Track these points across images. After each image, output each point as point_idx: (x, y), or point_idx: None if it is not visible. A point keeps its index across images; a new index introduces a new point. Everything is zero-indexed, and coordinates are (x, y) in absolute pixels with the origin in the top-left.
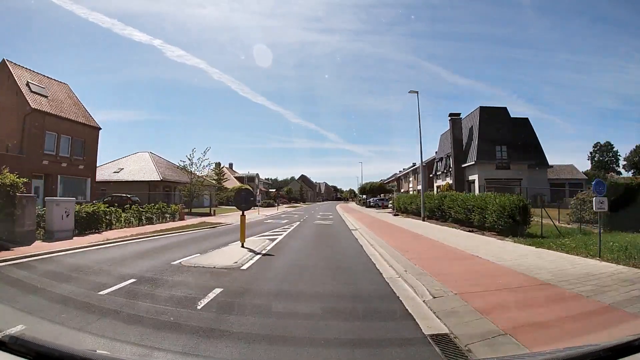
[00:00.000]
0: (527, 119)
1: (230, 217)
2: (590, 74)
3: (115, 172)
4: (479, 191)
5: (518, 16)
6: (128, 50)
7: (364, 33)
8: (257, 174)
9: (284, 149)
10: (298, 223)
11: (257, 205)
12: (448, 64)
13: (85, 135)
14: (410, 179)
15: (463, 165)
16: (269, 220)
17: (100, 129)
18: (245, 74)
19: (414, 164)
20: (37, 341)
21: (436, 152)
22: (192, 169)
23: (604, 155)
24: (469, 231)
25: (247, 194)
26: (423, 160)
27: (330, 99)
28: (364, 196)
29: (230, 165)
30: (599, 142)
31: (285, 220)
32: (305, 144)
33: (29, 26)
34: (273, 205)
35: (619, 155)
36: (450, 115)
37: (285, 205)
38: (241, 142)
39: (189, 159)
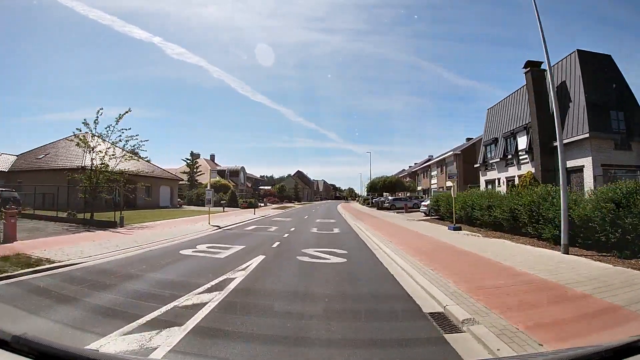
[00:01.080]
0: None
1: (131, 235)
2: None
3: (38, 158)
4: (594, 185)
5: (519, 17)
6: (127, 48)
7: (365, 33)
8: (243, 168)
9: (284, 148)
10: (259, 261)
11: (210, 205)
12: (449, 65)
13: None
14: (433, 173)
15: (556, 144)
16: (201, 248)
17: None
18: (246, 74)
19: (430, 157)
20: (40, 341)
21: (464, 140)
22: (94, 144)
23: None
24: None
25: None
26: (457, 147)
27: (332, 99)
28: (366, 194)
29: (212, 157)
30: None
31: (238, 248)
32: (306, 144)
33: (29, 24)
34: (256, 206)
35: None
36: (528, 65)
37: (272, 206)
38: (242, 141)
39: (85, 124)
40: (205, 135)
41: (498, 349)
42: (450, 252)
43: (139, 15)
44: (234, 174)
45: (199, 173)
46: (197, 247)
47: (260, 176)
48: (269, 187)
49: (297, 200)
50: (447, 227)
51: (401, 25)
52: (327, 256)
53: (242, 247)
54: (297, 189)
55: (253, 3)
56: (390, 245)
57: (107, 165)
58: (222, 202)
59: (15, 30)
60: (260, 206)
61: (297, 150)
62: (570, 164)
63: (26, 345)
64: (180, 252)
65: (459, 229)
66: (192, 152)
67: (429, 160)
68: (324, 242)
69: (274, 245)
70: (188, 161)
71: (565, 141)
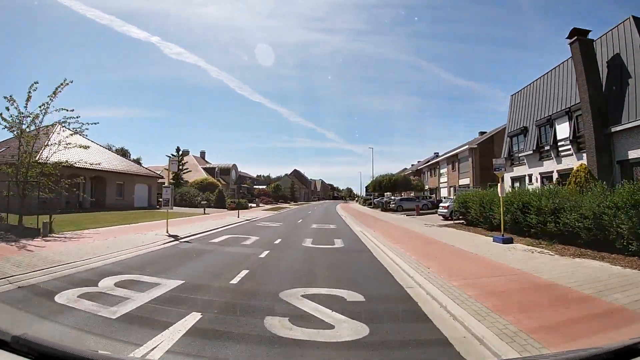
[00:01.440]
0: None
1: (31, 253)
2: None
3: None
4: None
5: (520, 18)
6: (126, 47)
7: (365, 33)
8: (234, 165)
9: (284, 148)
10: (181, 334)
11: (169, 208)
12: (449, 66)
13: None
14: (443, 170)
15: (614, 129)
16: (104, 285)
17: None
18: (245, 74)
19: (436, 154)
20: (40, 341)
21: (465, 140)
22: (25, 126)
23: None
24: None
25: None
26: (470, 142)
27: (331, 99)
28: (366, 194)
29: (202, 154)
30: None
31: (170, 287)
32: (306, 144)
33: (26, 23)
34: (245, 207)
35: None
36: (574, 34)
37: (264, 207)
38: (241, 141)
39: (10, 101)
40: (204, 135)
41: None
42: (577, 307)
43: (138, 15)
44: (225, 172)
45: (186, 171)
46: (100, 282)
47: (257, 175)
48: (264, 187)
49: (293, 200)
50: (490, 238)
51: (401, 25)
52: (328, 316)
53: (179, 283)
54: (293, 189)
55: (253, 3)
56: (433, 277)
57: (35, 153)
58: (202, 202)
59: (15, 30)
60: (252, 207)
61: (297, 150)
62: (633, 154)
63: (26, 345)
64: (57, 297)
65: (510, 240)
66: (178, 147)
67: (435, 157)
68: (323, 269)
69: (236, 280)
70: (172, 158)
71: (626, 126)
